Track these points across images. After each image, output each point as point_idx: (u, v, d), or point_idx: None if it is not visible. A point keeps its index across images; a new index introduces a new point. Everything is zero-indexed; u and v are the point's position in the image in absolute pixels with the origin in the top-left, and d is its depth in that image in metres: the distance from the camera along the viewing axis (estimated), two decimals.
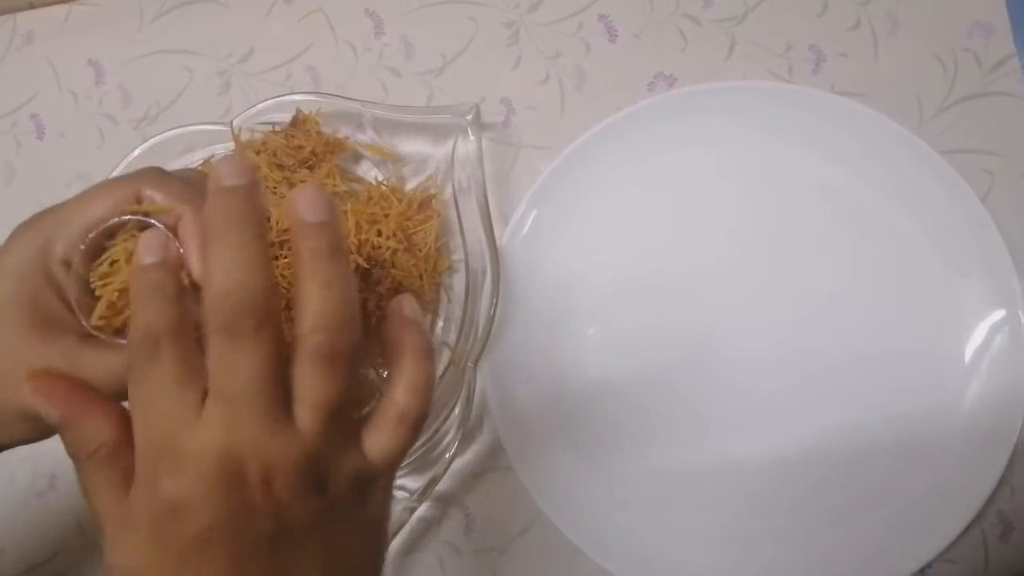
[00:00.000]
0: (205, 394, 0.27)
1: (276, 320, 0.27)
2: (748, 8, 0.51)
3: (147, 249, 0.29)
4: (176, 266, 0.29)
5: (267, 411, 0.27)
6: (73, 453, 0.29)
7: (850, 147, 0.47)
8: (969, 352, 0.45)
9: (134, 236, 0.32)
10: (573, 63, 0.52)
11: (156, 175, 0.33)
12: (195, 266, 0.30)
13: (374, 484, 0.30)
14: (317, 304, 0.27)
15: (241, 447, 0.27)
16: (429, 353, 0.30)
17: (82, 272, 0.32)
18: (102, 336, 0.32)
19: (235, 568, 0.27)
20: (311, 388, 0.27)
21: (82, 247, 0.32)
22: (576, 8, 0.52)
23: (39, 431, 0.33)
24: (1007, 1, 0.48)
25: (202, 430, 0.27)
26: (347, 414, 0.29)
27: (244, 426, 0.27)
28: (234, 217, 0.27)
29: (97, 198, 0.33)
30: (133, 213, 0.32)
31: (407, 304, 0.31)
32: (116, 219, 0.32)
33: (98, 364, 0.32)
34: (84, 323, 0.32)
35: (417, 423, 0.30)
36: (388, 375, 0.31)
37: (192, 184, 0.33)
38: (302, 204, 0.28)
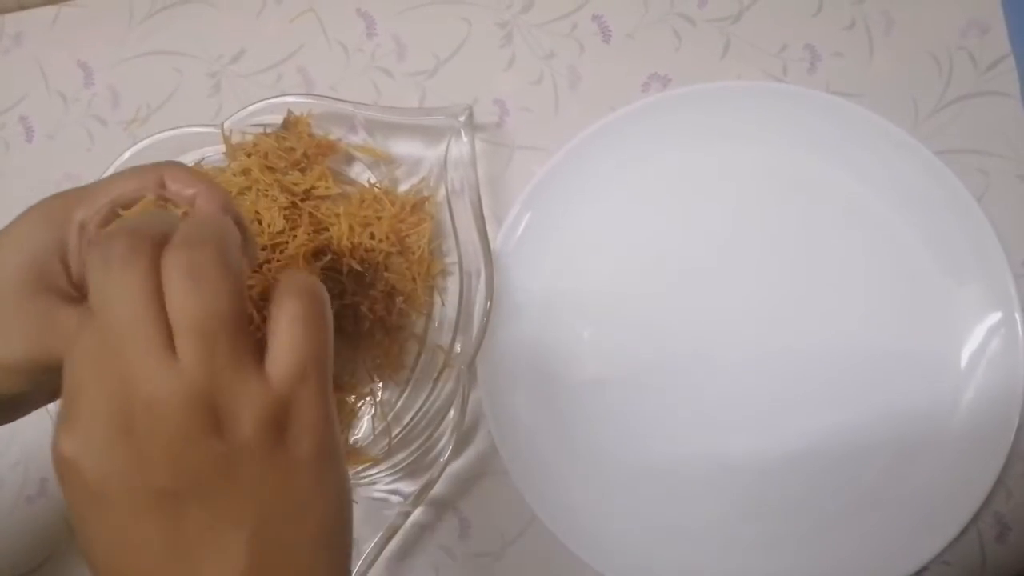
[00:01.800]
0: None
1: (155, 250, 0.26)
2: (743, 8, 0.50)
3: None
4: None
5: (145, 346, 0.25)
6: None
7: (845, 147, 0.47)
8: (965, 354, 0.45)
9: (149, 208, 0.34)
10: (567, 64, 0.52)
11: (180, 166, 0.35)
12: None
13: (292, 417, 0.27)
14: (183, 228, 0.27)
15: (125, 396, 0.25)
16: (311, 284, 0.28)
17: (92, 233, 0.33)
18: None
19: (132, 522, 0.25)
20: (179, 309, 0.25)
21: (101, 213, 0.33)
22: (570, 8, 0.52)
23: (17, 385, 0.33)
24: (1002, 0, 0.48)
25: (94, 385, 0.26)
26: (233, 339, 0.26)
27: (126, 367, 0.25)
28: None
29: (126, 177, 0.34)
30: (157, 194, 0.34)
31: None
32: (140, 196, 0.34)
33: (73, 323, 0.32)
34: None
35: (311, 320, 0.27)
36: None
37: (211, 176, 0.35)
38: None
